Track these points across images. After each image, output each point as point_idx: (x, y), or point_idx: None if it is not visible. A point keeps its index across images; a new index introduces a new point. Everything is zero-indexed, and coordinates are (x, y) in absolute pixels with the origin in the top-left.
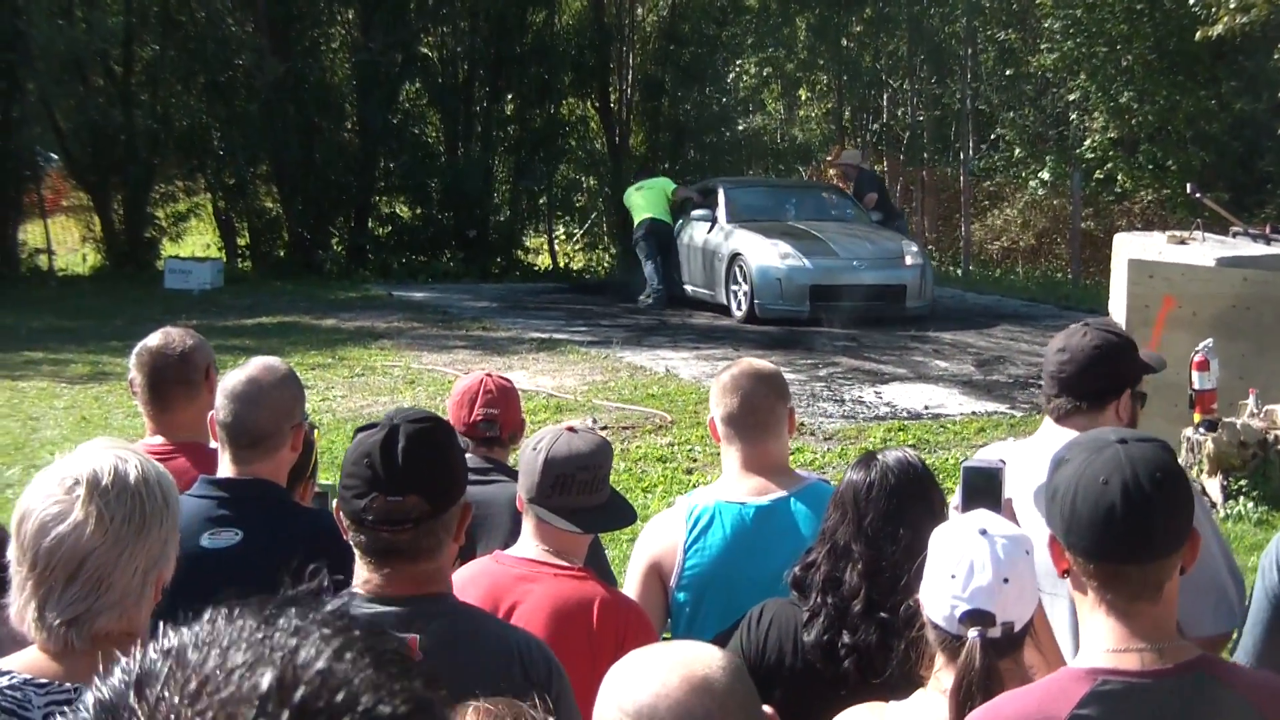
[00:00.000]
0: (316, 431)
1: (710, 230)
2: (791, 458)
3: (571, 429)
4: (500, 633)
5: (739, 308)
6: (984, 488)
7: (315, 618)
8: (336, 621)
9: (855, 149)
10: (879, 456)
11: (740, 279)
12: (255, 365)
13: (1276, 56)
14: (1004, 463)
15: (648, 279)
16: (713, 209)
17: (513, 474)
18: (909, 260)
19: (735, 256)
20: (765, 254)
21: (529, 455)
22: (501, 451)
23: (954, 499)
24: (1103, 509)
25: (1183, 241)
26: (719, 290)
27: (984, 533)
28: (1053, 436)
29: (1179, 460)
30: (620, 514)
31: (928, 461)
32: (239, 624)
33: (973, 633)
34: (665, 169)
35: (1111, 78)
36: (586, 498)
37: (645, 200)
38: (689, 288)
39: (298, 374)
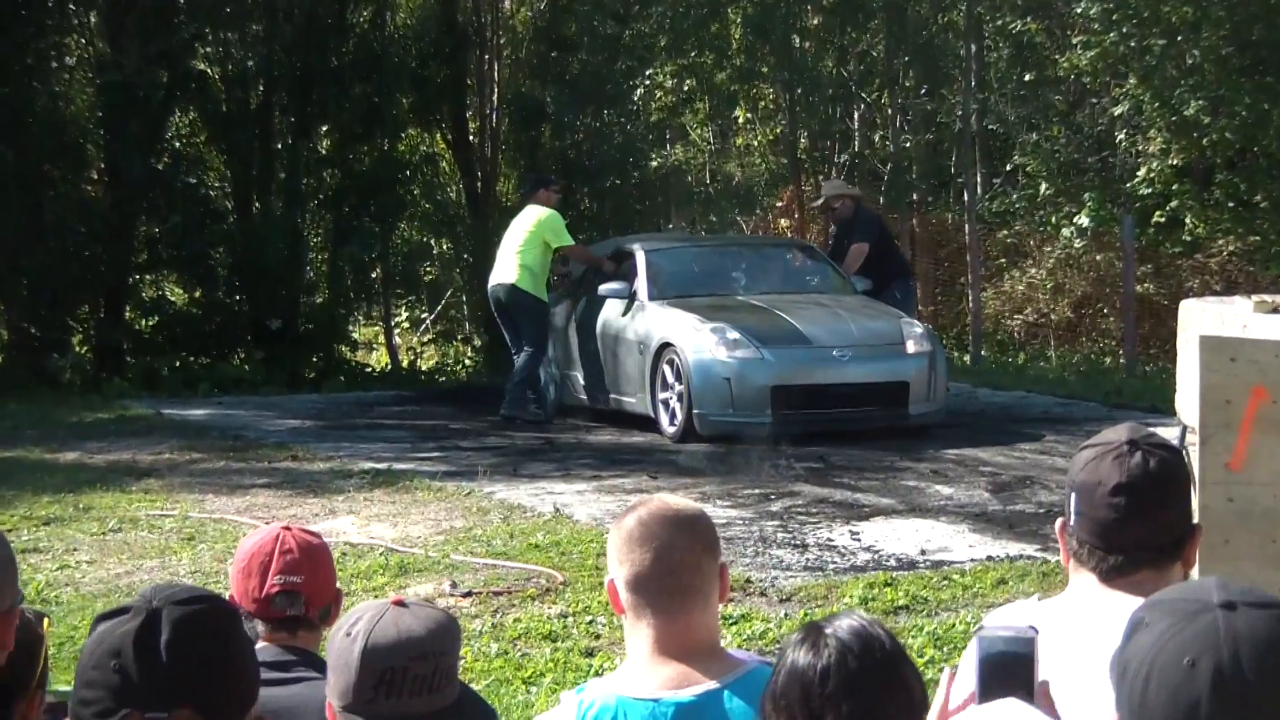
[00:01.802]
0: (47, 621)
1: (627, 312)
2: (732, 629)
3: (400, 603)
4: None
5: (672, 421)
6: (1011, 666)
7: None
8: None
9: (838, 179)
10: (828, 629)
11: (672, 379)
12: None
13: None
14: (1036, 630)
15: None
16: (629, 281)
17: (324, 667)
18: (912, 346)
19: (664, 348)
20: (706, 343)
21: (341, 644)
22: (308, 636)
23: (958, 682)
24: (1184, 704)
25: (1277, 309)
26: (641, 396)
27: None
28: (1095, 603)
29: None
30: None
31: (927, 629)
32: None
33: None
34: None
35: (1173, 82)
36: (424, 700)
37: (506, 249)
38: (611, 396)
39: (5, 538)
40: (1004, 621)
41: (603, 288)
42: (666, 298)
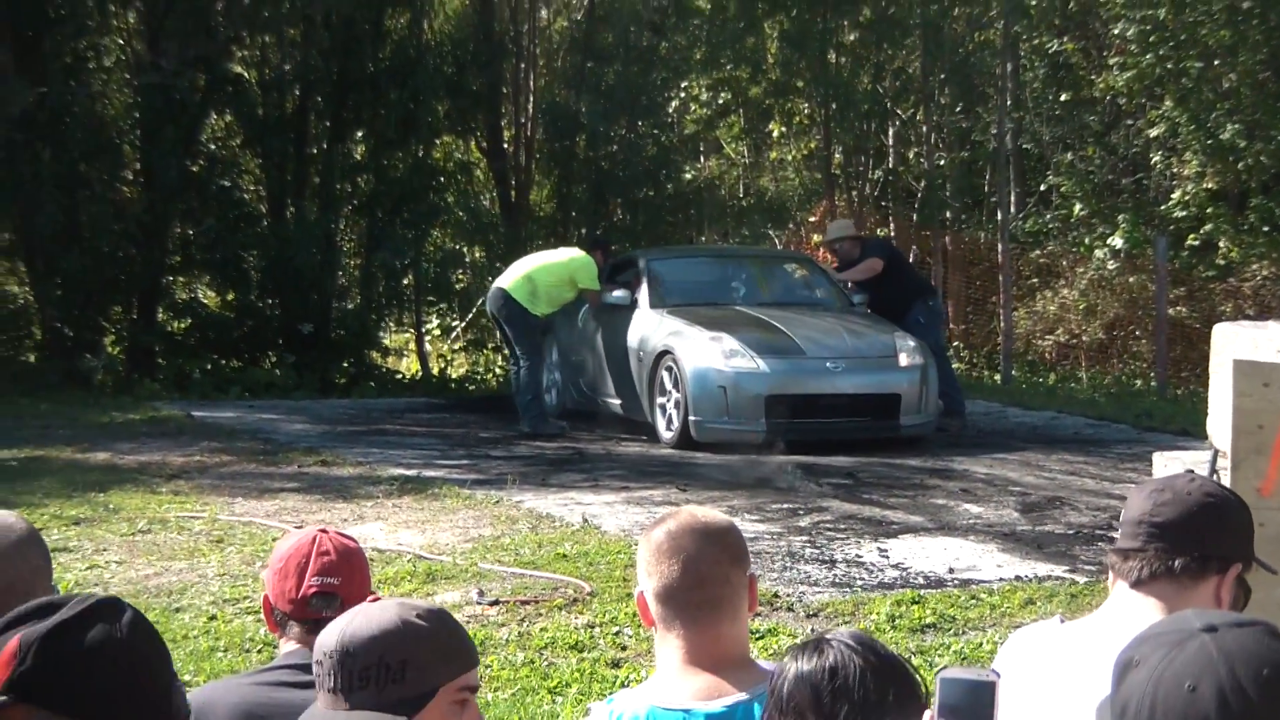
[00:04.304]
0: None
1: (629, 319)
2: (759, 643)
3: (375, 597)
4: None
5: (668, 426)
6: (965, 710)
7: None
8: None
9: (846, 219)
10: (828, 636)
11: (669, 386)
12: None
13: None
14: (998, 674)
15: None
16: (632, 289)
17: None
18: (904, 360)
19: (662, 355)
20: (704, 352)
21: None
22: None
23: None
24: None
25: None
26: (640, 402)
27: None
28: (1126, 611)
29: None
30: None
31: (954, 647)
32: None
33: None
34: (580, 236)
35: (1209, 105)
36: (362, 695)
37: (523, 261)
38: (604, 400)
39: (41, 536)
40: (967, 669)
41: (607, 296)
42: (667, 306)
